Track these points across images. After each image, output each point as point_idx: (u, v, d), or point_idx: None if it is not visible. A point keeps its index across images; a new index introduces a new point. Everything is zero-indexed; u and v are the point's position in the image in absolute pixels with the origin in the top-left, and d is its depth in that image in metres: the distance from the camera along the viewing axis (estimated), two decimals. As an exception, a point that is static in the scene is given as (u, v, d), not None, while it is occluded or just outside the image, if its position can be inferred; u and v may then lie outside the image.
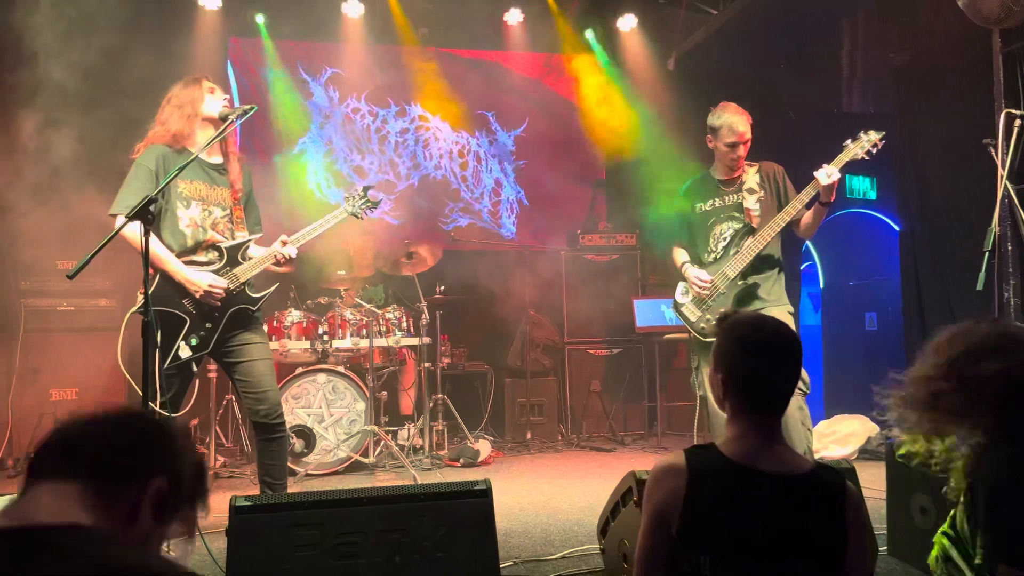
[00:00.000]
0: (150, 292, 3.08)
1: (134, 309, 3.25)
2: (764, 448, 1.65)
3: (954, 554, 1.72)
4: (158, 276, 3.30)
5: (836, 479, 1.65)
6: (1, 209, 5.38)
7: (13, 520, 1.05)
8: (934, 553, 1.79)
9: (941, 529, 1.77)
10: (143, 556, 1.06)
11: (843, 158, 3.64)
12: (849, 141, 3.68)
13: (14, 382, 5.24)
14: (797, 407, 3.60)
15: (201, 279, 3.32)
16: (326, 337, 5.25)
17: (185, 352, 3.32)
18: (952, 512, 1.77)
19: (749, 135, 3.85)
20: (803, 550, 1.59)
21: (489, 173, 7.43)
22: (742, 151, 3.86)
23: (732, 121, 3.83)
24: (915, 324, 5.25)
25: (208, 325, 3.37)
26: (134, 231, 2.98)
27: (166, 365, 3.27)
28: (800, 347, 1.72)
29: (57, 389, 5.39)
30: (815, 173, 3.61)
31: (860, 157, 3.64)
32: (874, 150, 3.63)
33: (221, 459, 5.32)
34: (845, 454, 5.03)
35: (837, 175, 3.59)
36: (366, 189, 3.74)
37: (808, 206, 3.74)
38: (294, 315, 5.34)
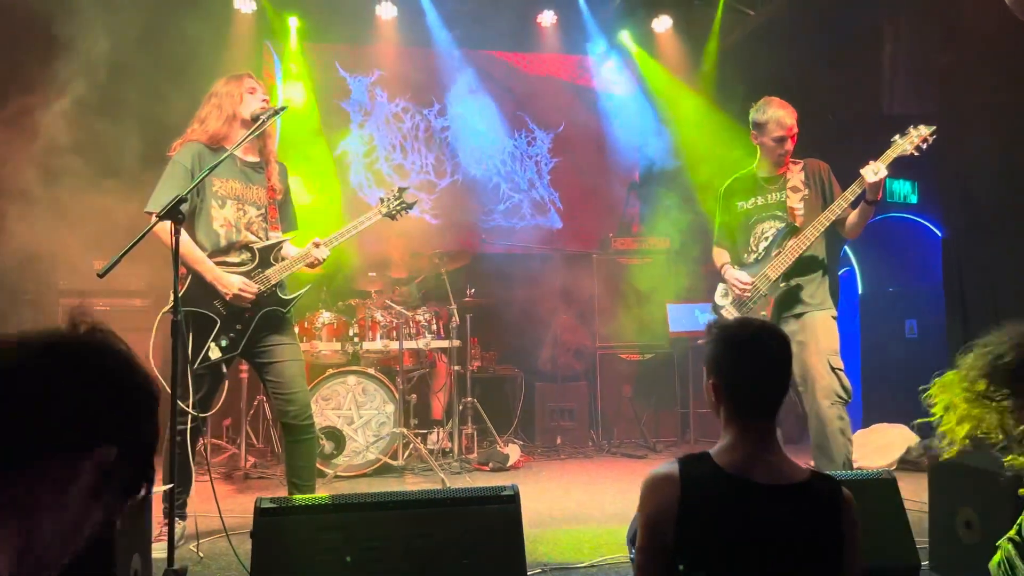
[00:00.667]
0: (181, 293, 3.11)
1: (166, 309, 3.27)
2: (758, 457, 1.62)
3: (1019, 562, 1.64)
4: (189, 277, 3.30)
5: (831, 487, 1.64)
6: (39, 207, 5.46)
7: None
8: (996, 558, 1.71)
9: (1008, 535, 1.69)
10: None
11: (891, 154, 3.52)
12: (898, 136, 3.56)
13: (51, 380, 5.30)
14: (837, 416, 3.51)
15: (232, 281, 3.32)
16: (356, 339, 5.24)
17: (215, 353, 3.33)
18: (1020, 519, 1.68)
19: (796, 129, 3.77)
20: (800, 561, 1.57)
21: (523, 173, 7.41)
22: (790, 145, 3.78)
23: (779, 115, 3.75)
24: (958, 332, 5.11)
25: (238, 326, 3.37)
26: (167, 230, 2.99)
27: (196, 365, 3.28)
28: (788, 348, 1.71)
29: (92, 388, 5.44)
30: (861, 171, 3.50)
31: (909, 153, 3.51)
32: (924, 145, 3.50)
33: (251, 459, 5.34)
34: (884, 464, 4.89)
35: (884, 172, 3.47)
36: (402, 190, 3.68)
37: (854, 205, 3.64)
38: (325, 316, 5.34)
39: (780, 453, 1.66)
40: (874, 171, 3.46)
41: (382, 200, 3.66)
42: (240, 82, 3.47)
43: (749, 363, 1.67)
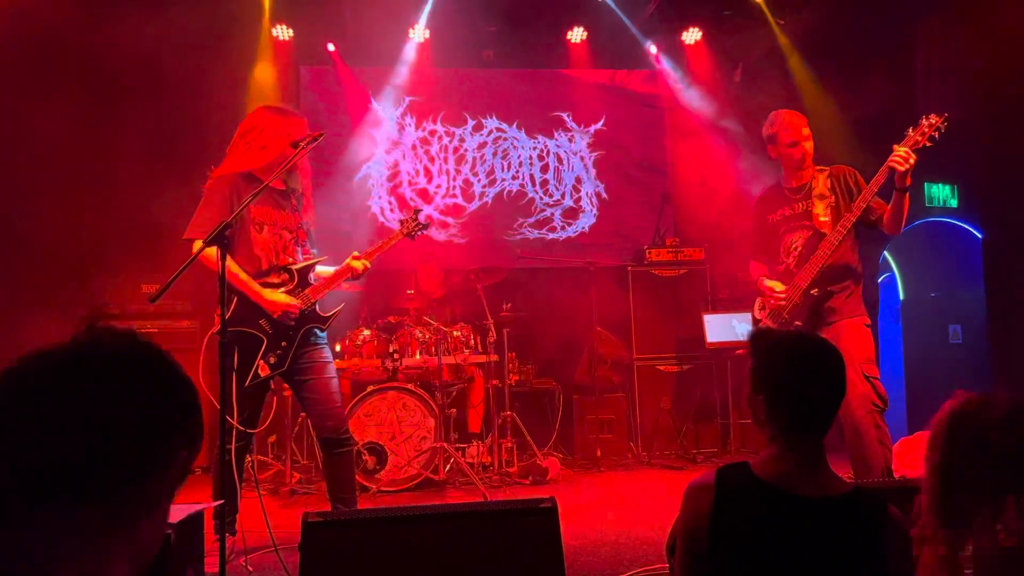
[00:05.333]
0: (228, 314, 3.25)
1: (214, 331, 3.38)
2: (800, 470, 1.60)
3: None
4: (236, 298, 3.43)
5: (875, 503, 1.59)
6: (88, 235, 5.68)
7: None
8: None
9: None
10: None
11: (904, 144, 3.50)
12: (910, 129, 3.55)
13: (103, 402, 5.48)
14: (874, 425, 3.50)
15: (277, 300, 3.45)
16: (396, 355, 5.34)
17: (264, 371, 3.46)
18: None
19: (808, 132, 3.81)
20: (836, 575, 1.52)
21: (571, 172, 7.42)
22: (807, 147, 3.82)
23: (787, 122, 3.84)
24: (1002, 335, 5.03)
25: (284, 343, 3.49)
26: (212, 256, 3.12)
27: (247, 383, 3.40)
28: (843, 364, 1.66)
29: (143, 408, 5.60)
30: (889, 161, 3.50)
31: (921, 144, 3.49)
32: (936, 135, 3.49)
33: (296, 476, 5.45)
34: (929, 473, 4.82)
35: (912, 157, 3.45)
36: (417, 212, 4.00)
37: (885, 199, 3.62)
38: (365, 334, 5.45)
39: (825, 467, 1.63)
40: (904, 158, 3.44)
41: (402, 222, 3.95)
42: (295, 116, 3.61)
43: (803, 378, 1.63)
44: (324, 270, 3.73)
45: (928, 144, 3.48)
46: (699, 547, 1.58)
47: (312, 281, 3.63)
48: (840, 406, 1.66)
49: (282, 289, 3.54)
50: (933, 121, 3.48)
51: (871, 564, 1.54)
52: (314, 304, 3.59)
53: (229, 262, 3.26)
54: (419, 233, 3.96)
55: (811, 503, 1.55)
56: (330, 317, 3.68)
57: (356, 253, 3.70)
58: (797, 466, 1.60)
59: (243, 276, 3.42)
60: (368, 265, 3.70)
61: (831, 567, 1.52)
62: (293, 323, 3.50)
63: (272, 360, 3.48)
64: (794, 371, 1.63)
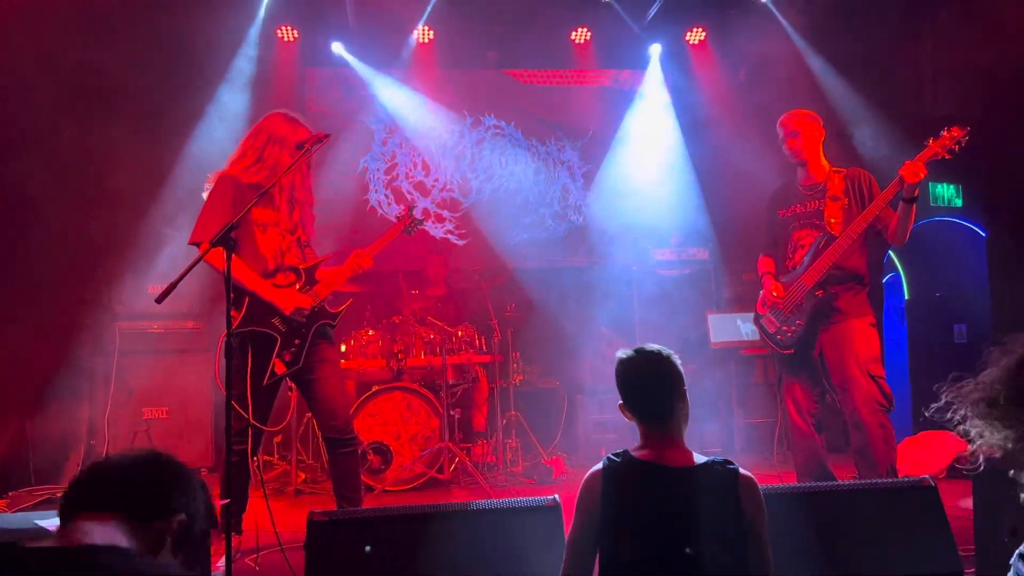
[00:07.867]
0: (242, 314, 3.29)
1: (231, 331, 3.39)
2: (663, 449, 1.99)
3: None
4: (247, 298, 3.44)
5: (729, 467, 1.96)
6: (95, 234, 5.71)
7: (65, 542, 1.30)
8: None
9: (1018, 551, 1.66)
10: (164, 568, 1.36)
11: (924, 156, 3.51)
12: (931, 139, 3.55)
13: (110, 402, 5.52)
14: (879, 424, 3.50)
15: (288, 298, 3.47)
16: (401, 355, 5.35)
17: (281, 369, 3.48)
18: None
19: (796, 128, 3.84)
20: (705, 532, 1.85)
21: (557, 180, 7.42)
22: (791, 143, 3.87)
23: (780, 119, 3.91)
24: (1007, 335, 5.02)
25: (297, 341, 3.52)
26: (217, 257, 3.15)
27: (265, 383, 3.42)
28: (664, 363, 2.05)
29: (149, 408, 5.63)
30: (900, 171, 3.50)
31: (940, 156, 3.49)
32: (957, 148, 3.48)
33: (302, 475, 5.47)
34: (934, 472, 4.82)
35: (923, 171, 3.45)
36: (412, 208, 4.04)
37: (892, 205, 3.62)
38: (370, 334, 5.47)
39: (681, 445, 2.02)
40: (914, 172, 3.44)
41: (399, 219, 3.98)
42: (298, 124, 3.62)
43: (634, 378, 2.08)
44: (329, 268, 3.75)
45: (948, 157, 3.48)
46: (592, 523, 1.94)
47: (319, 279, 3.65)
48: (672, 397, 2.03)
49: (291, 288, 3.56)
50: (955, 134, 3.47)
51: (729, 515, 1.89)
52: (323, 301, 3.61)
53: (238, 263, 3.29)
54: (416, 228, 3.98)
55: (676, 471, 1.94)
56: (339, 313, 3.70)
57: (357, 252, 3.70)
58: (659, 445, 2.00)
59: (253, 276, 3.44)
60: (370, 262, 3.72)
61: (699, 522, 1.87)
62: (304, 320, 3.52)
63: (287, 358, 3.50)
64: (626, 372, 2.10)
